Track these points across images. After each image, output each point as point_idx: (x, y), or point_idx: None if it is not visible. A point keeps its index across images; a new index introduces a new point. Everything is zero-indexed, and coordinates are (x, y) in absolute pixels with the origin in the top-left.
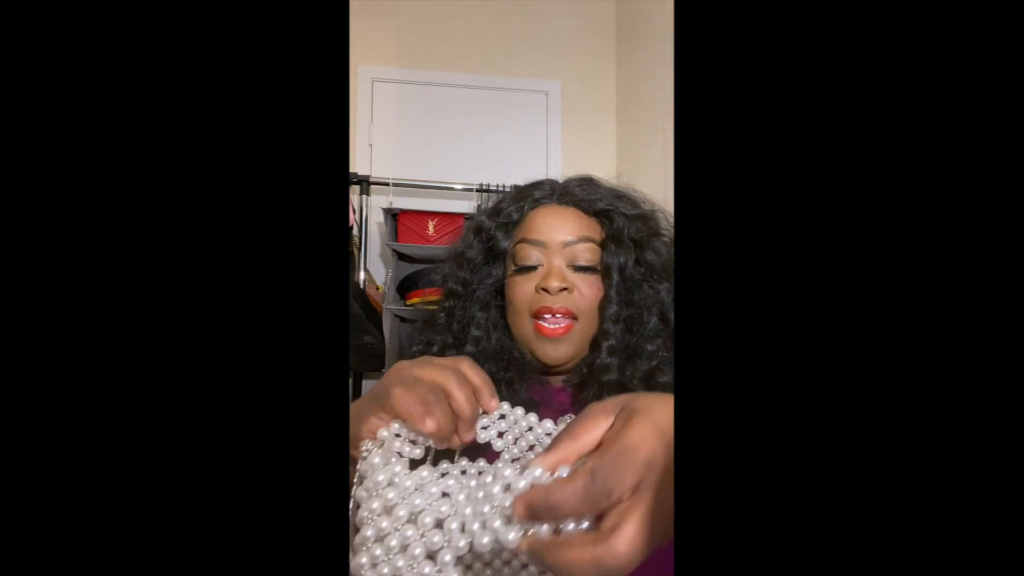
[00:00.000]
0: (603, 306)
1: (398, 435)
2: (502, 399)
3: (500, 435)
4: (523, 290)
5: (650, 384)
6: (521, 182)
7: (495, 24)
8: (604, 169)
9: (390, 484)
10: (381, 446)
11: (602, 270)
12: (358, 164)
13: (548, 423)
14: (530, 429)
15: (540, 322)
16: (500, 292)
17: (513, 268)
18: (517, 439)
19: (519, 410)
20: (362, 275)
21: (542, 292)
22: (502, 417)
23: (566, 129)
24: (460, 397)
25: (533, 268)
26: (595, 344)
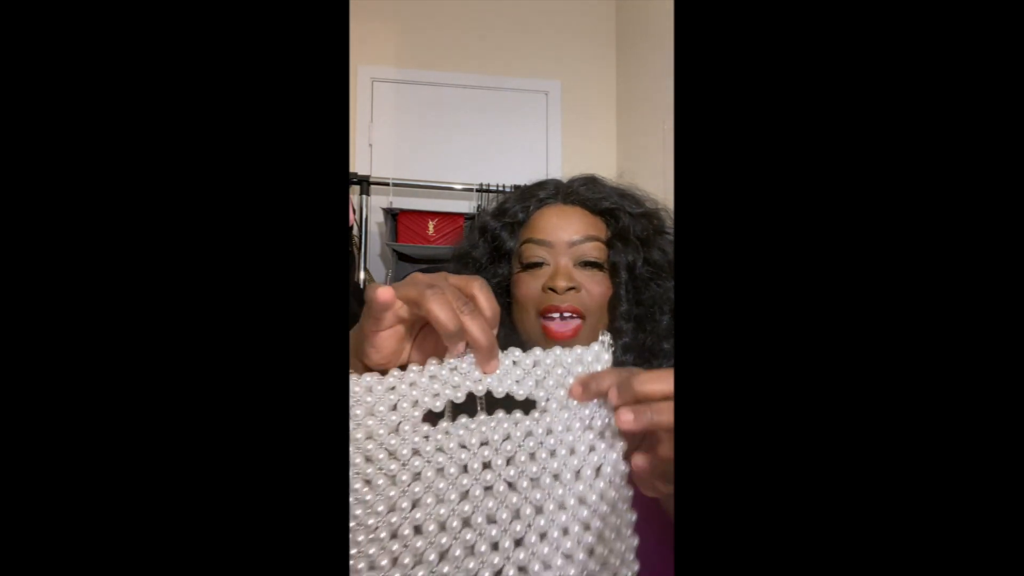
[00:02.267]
0: (613, 304)
1: (433, 374)
2: None
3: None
4: (530, 289)
5: None
6: (521, 182)
7: (495, 24)
8: (604, 168)
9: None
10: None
11: (610, 269)
12: (358, 164)
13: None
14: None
15: (547, 322)
16: (506, 291)
17: (519, 267)
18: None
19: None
20: (362, 275)
21: (549, 291)
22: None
23: (566, 129)
24: (476, 330)
25: (539, 267)
26: None
